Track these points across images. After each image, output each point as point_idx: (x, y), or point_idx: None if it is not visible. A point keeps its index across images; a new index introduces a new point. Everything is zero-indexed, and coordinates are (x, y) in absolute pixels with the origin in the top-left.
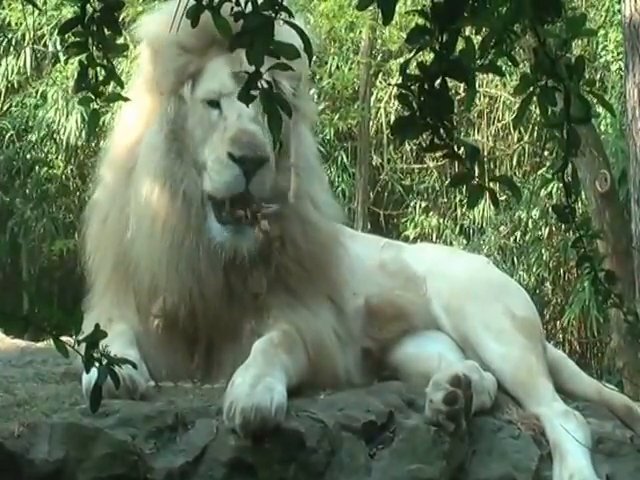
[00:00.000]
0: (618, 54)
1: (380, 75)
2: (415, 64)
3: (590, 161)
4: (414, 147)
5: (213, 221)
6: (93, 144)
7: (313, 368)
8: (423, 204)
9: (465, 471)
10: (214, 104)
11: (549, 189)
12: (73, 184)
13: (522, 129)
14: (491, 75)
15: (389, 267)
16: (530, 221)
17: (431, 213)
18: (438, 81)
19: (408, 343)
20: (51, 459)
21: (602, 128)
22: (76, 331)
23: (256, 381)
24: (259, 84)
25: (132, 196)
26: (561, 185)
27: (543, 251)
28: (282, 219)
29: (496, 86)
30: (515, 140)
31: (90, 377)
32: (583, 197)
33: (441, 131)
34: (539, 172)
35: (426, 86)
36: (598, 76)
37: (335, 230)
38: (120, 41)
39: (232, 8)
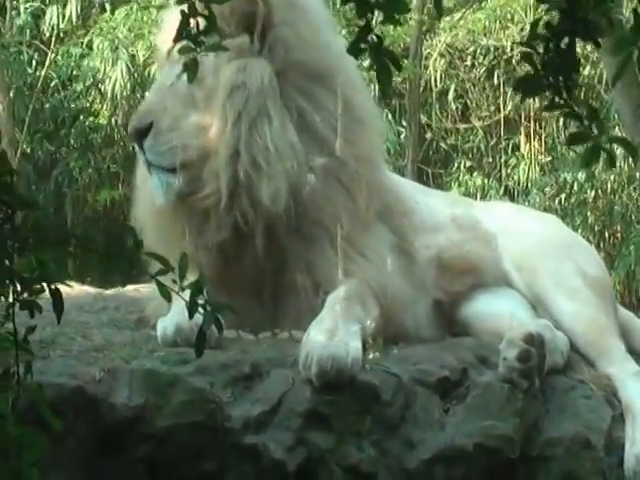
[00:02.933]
0: None
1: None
2: (543, 24)
3: (639, 123)
4: (459, 106)
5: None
6: (138, 94)
7: (384, 319)
8: (468, 163)
9: (538, 429)
10: None
11: None
12: (118, 134)
13: None
14: None
15: (460, 221)
16: (576, 183)
17: (475, 173)
18: (565, 40)
19: (479, 299)
20: (131, 404)
21: None
22: (181, 277)
23: (332, 333)
24: (369, 38)
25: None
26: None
27: (588, 214)
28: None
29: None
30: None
31: (165, 325)
32: None
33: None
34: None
35: (551, 45)
36: None
37: (391, 176)
38: None
39: None
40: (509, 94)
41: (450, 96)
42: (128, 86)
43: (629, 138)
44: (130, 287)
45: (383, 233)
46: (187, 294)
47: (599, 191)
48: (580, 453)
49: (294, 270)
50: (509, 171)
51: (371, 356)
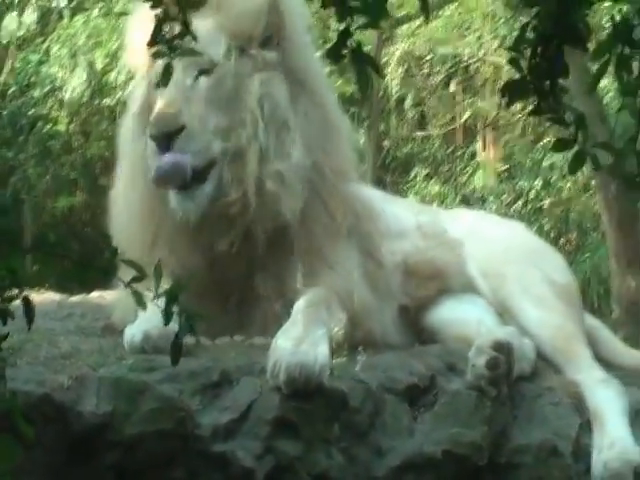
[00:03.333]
0: None
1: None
2: (530, 27)
3: (596, 132)
4: (417, 114)
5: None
6: (96, 101)
7: (351, 325)
8: (425, 171)
9: (506, 436)
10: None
11: (552, 160)
12: (76, 141)
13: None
14: (496, 43)
15: (426, 229)
16: (532, 191)
17: (432, 181)
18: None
19: (445, 305)
20: (99, 412)
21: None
22: (156, 286)
23: (299, 340)
24: (348, 44)
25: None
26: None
27: (544, 221)
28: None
29: (500, 55)
30: (519, 109)
31: (133, 332)
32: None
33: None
34: (542, 142)
35: (538, 50)
36: None
37: (359, 187)
38: None
39: None
40: (466, 102)
41: (407, 104)
42: (86, 93)
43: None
44: (95, 294)
45: (352, 241)
46: (159, 302)
47: (555, 199)
48: (548, 460)
49: (263, 278)
50: (466, 179)
51: (338, 362)
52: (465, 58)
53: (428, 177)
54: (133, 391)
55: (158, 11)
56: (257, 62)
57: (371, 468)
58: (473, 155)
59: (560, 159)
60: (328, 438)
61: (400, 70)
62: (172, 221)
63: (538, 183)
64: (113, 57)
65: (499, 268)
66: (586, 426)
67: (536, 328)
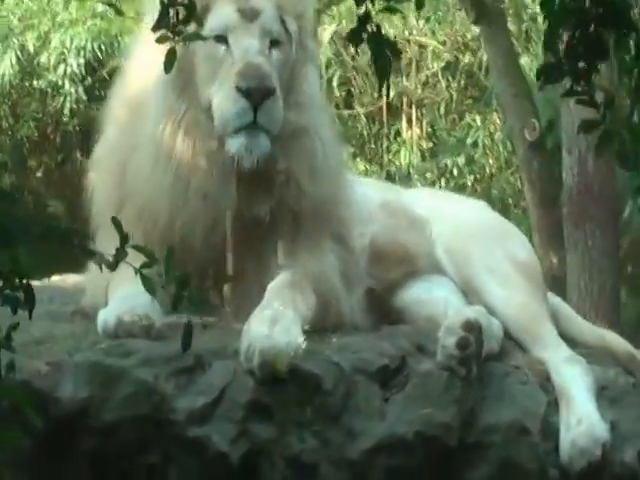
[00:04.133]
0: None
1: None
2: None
3: (520, 110)
4: (343, 93)
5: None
6: (27, 83)
7: (320, 308)
8: (351, 150)
9: (476, 416)
10: (221, 40)
11: (475, 137)
12: (6, 122)
13: (450, 77)
14: (421, 23)
15: (391, 206)
16: (455, 169)
17: (358, 159)
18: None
19: (413, 286)
20: (77, 398)
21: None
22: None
23: (273, 323)
24: (368, 27)
25: (141, 133)
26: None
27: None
28: (290, 155)
29: (425, 34)
30: (444, 88)
31: (106, 316)
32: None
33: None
34: (465, 120)
35: (577, 33)
36: (524, 27)
37: (342, 168)
38: None
39: None
40: (391, 81)
41: (335, 83)
42: (18, 75)
43: (508, 122)
44: (56, 277)
45: (327, 226)
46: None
47: (477, 176)
48: (517, 439)
49: (245, 257)
50: (391, 157)
51: (309, 344)
52: (391, 37)
53: (354, 155)
54: (109, 376)
55: None
56: (307, 50)
57: (344, 451)
58: (398, 133)
59: (482, 136)
60: (301, 421)
61: (330, 50)
62: (219, 170)
63: (461, 160)
64: (45, 39)
65: (463, 247)
66: (553, 404)
67: (502, 307)
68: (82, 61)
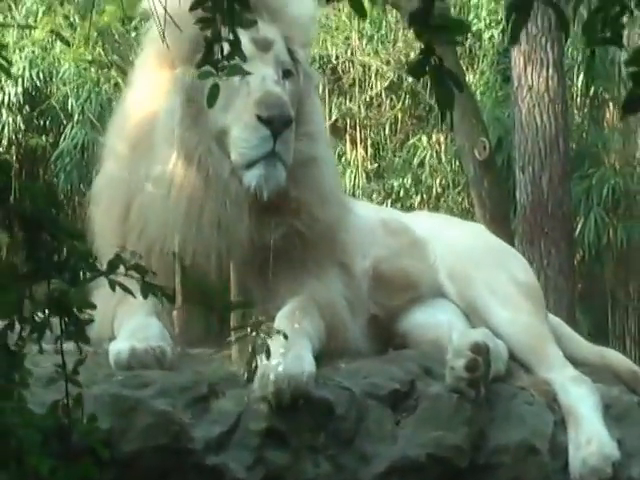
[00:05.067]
0: (490, 22)
1: None
2: None
3: (469, 129)
4: None
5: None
6: None
7: (328, 335)
8: None
9: (485, 437)
10: None
11: (421, 157)
12: None
13: (394, 97)
14: (365, 43)
15: (392, 225)
16: (402, 190)
17: None
18: None
19: (416, 311)
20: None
21: (478, 96)
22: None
23: (285, 350)
24: (431, 60)
25: (145, 165)
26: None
27: None
28: (300, 184)
29: (368, 54)
30: (388, 109)
31: (118, 348)
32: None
33: None
34: (411, 140)
35: None
36: (468, 45)
37: (343, 193)
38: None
39: None
40: (334, 102)
41: None
42: None
43: (457, 141)
44: None
45: (332, 252)
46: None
47: (425, 196)
48: (526, 459)
49: (256, 283)
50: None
51: (320, 370)
52: (333, 59)
53: None
54: (128, 407)
55: (208, 32)
56: (312, 80)
57: (357, 474)
58: (342, 154)
59: (428, 157)
60: (315, 447)
61: None
62: (232, 200)
63: (408, 181)
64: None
65: (465, 271)
66: (560, 423)
67: (506, 328)
68: (20, 89)
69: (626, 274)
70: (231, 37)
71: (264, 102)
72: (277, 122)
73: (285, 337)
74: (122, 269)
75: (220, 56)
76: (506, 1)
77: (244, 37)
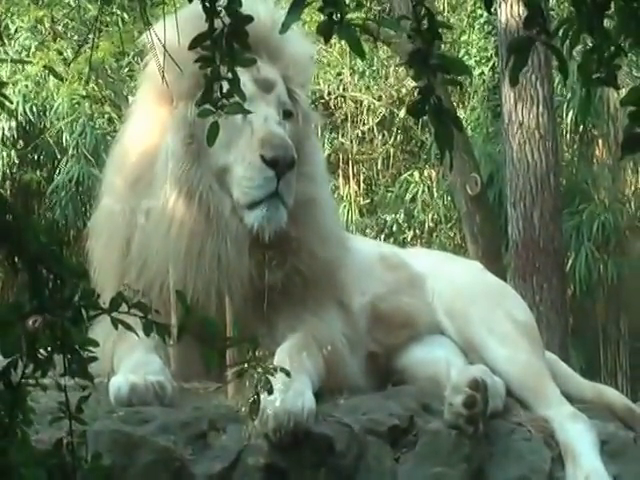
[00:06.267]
0: (481, 59)
1: None
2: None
3: (460, 164)
4: None
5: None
6: None
7: (327, 372)
8: None
9: (484, 473)
10: None
11: (413, 193)
12: None
13: (386, 133)
14: (357, 78)
15: (390, 260)
16: (395, 225)
17: None
18: None
19: (414, 348)
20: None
21: (469, 132)
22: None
23: (286, 386)
24: (431, 100)
25: (144, 201)
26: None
27: None
28: (301, 224)
29: (360, 90)
30: (380, 144)
31: (119, 384)
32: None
33: None
34: (403, 176)
35: None
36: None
37: (343, 232)
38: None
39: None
40: (327, 137)
41: None
42: None
43: (449, 177)
44: None
45: (331, 289)
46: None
47: (417, 231)
48: None
49: (255, 319)
50: None
51: (320, 406)
52: (325, 94)
53: None
54: (129, 444)
55: (208, 70)
56: (311, 120)
57: None
58: (335, 189)
59: (420, 192)
60: None
61: None
62: (233, 239)
63: (401, 217)
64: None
65: (463, 308)
66: (557, 460)
67: (504, 366)
68: (14, 124)
69: (617, 309)
70: (230, 76)
71: (268, 143)
72: (281, 163)
73: (287, 374)
74: (124, 307)
75: (219, 95)
76: (503, 41)
77: (246, 77)
